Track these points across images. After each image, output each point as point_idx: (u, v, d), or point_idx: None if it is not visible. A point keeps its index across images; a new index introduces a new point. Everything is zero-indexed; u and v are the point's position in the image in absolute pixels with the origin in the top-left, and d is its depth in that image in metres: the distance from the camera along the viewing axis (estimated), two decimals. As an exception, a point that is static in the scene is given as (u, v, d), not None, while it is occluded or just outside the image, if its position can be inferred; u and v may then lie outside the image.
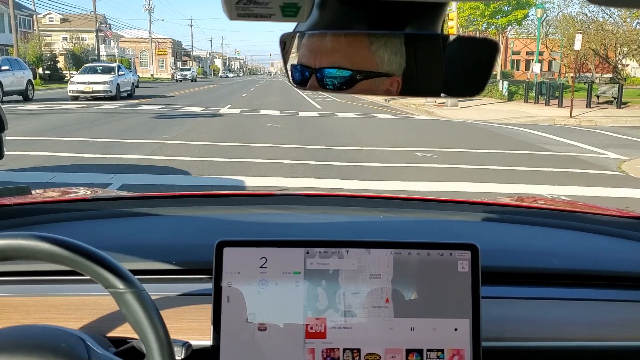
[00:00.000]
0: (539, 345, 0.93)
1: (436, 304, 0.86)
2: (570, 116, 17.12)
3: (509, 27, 33.65)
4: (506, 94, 26.57)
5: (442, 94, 0.75)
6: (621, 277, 1.09)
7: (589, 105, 20.83)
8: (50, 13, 59.15)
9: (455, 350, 0.85)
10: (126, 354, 0.81)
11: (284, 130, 12.27)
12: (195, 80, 55.59)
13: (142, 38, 75.32)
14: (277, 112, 17.32)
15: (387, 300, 0.85)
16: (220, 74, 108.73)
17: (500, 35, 33.40)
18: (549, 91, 23.06)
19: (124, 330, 0.87)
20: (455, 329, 0.85)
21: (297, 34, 0.75)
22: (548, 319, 0.96)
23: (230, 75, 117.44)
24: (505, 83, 27.60)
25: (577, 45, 17.56)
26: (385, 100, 25.07)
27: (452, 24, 20.26)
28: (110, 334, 0.87)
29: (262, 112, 17.38)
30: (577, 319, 0.97)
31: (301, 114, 17.33)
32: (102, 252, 0.72)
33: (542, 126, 15.22)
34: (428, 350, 0.85)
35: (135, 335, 0.73)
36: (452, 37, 0.72)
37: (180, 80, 52.61)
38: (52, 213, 1.29)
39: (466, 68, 0.73)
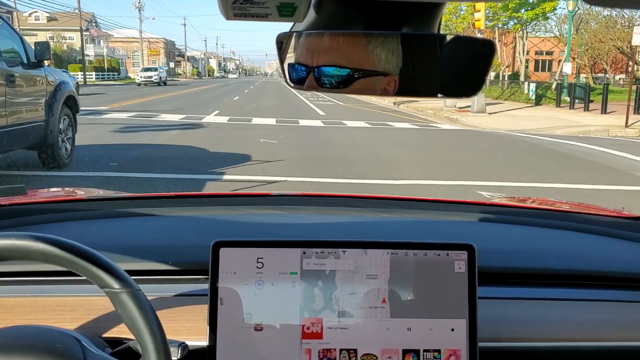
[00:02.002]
0: (535, 345, 0.93)
1: (433, 304, 0.86)
2: (626, 125, 14.35)
3: (532, 23, 30.18)
4: (533, 97, 24.02)
5: (439, 95, 0.75)
6: (618, 278, 1.09)
7: (637, 110, 17.53)
8: (36, 11, 56.87)
9: (452, 351, 0.85)
10: (122, 354, 0.80)
11: (282, 149, 9.33)
12: (165, 84, 44.00)
13: (134, 38, 73.40)
14: (272, 121, 14.69)
15: (384, 301, 0.85)
16: (215, 74, 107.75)
17: (523, 32, 31.01)
18: (587, 95, 20.57)
19: (120, 331, 0.86)
20: (452, 330, 0.85)
21: (294, 34, 0.75)
22: (545, 319, 0.96)
23: (232, 76, 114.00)
24: (532, 85, 25.14)
25: (636, 40, 15.04)
26: (395, 104, 23.44)
27: (479, 16, 17.56)
28: (106, 335, 0.87)
29: (255, 120, 14.79)
30: (574, 320, 0.97)
31: (302, 122, 14.61)
32: (97, 252, 0.71)
33: (602, 139, 12.45)
34: (425, 350, 0.85)
35: (132, 336, 0.72)
36: (449, 37, 0.73)
37: (145, 84, 41.72)
38: (48, 213, 1.29)
39: (463, 68, 0.73)
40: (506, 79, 31.37)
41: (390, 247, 0.87)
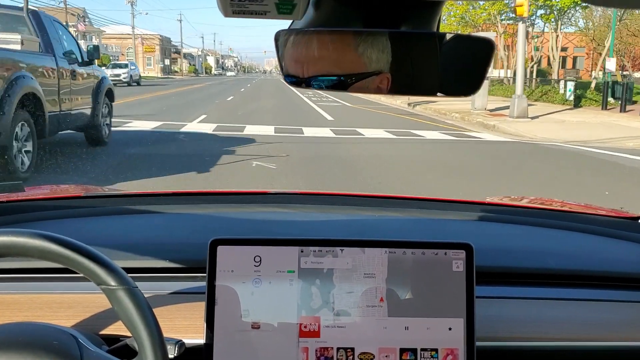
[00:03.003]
0: (533, 345, 0.93)
1: (430, 303, 0.86)
2: None
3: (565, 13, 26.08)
4: (571, 98, 21.19)
5: (438, 93, 0.75)
6: (616, 278, 1.09)
7: None
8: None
9: (449, 350, 0.85)
10: (119, 351, 0.80)
11: (283, 180, 6.63)
12: (139, 84, 35.75)
13: (128, 34, 71.84)
14: (270, 130, 11.61)
15: (382, 300, 0.85)
16: (213, 71, 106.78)
17: (557, 23, 26.86)
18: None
19: (116, 328, 0.86)
20: (450, 329, 0.85)
21: (290, 33, 0.75)
22: (542, 318, 0.96)
23: (230, 73, 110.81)
24: (570, 84, 22.03)
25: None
26: (410, 105, 20.54)
27: (522, 1, 14.96)
28: (102, 332, 0.87)
29: (249, 129, 11.61)
30: (572, 319, 0.97)
31: (307, 132, 11.64)
32: (94, 249, 0.71)
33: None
34: (422, 349, 0.85)
35: (128, 333, 0.72)
36: (448, 36, 0.72)
37: (114, 84, 27.35)
38: (45, 210, 1.28)
39: (462, 67, 0.73)
40: (534, 76, 28.38)
41: (388, 246, 0.87)
